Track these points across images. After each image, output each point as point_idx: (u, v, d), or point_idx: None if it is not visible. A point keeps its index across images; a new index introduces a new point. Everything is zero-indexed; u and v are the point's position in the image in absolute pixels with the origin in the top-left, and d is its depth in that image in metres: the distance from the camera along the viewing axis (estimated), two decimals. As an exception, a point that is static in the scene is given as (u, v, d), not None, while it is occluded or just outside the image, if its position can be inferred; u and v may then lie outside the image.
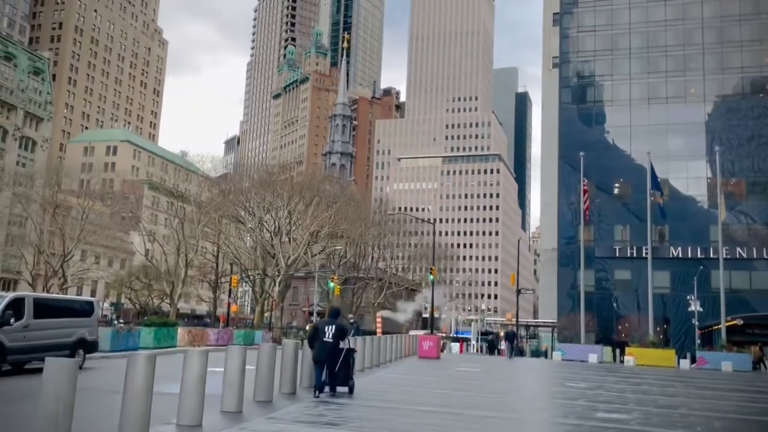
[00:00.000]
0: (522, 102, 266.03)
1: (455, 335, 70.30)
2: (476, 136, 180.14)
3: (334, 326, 12.33)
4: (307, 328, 36.54)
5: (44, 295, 22.01)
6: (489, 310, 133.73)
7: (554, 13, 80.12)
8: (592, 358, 34.67)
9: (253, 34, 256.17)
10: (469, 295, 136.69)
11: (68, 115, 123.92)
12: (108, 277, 79.78)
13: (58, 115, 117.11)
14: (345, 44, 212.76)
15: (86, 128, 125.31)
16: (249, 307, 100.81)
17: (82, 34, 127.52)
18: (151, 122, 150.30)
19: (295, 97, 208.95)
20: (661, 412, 12.22)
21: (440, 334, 42.09)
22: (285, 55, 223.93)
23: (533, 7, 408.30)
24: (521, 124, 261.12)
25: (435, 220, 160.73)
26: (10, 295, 15.57)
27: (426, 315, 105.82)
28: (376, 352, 20.10)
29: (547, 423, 10.86)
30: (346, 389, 12.59)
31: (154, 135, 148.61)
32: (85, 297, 28.33)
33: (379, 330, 43.38)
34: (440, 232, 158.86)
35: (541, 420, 11.12)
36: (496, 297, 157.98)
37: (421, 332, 40.09)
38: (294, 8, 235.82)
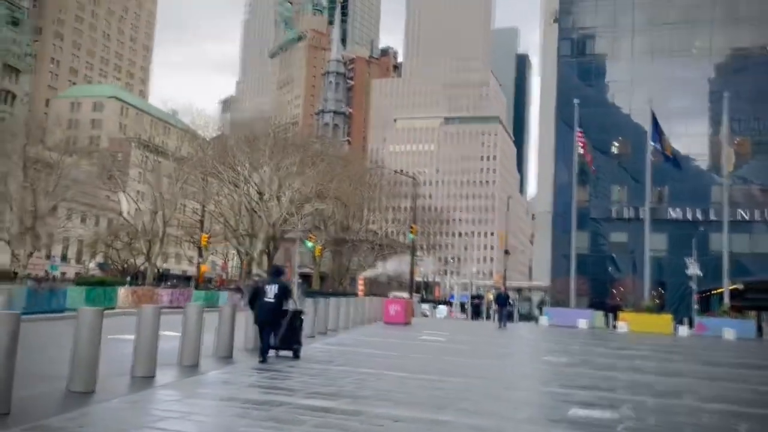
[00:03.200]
0: (522, 64, 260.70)
1: (451, 299, 68.45)
2: (475, 98, 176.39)
3: (276, 285, 11.39)
4: (242, 286, 34.08)
5: None
6: (485, 274, 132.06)
7: (554, -34, 76.52)
8: (582, 323, 32.48)
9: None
10: (465, 259, 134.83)
11: (54, 70, 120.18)
12: (89, 236, 77.52)
13: (43, 69, 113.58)
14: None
15: (74, 84, 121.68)
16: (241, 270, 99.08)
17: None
18: (140, 78, 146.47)
19: (291, 56, 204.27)
20: (660, 405, 8.83)
21: (414, 297, 39.60)
22: (281, 13, 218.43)
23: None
24: (521, 87, 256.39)
25: (431, 182, 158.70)
26: None
27: (419, 279, 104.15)
28: (334, 316, 17.82)
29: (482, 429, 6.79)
30: (290, 353, 11.70)
31: (143, 92, 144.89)
32: None
33: (361, 292, 41.14)
34: (437, 195, 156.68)
35: (477, 424, 6.87)
36: (492, 260, 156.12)
37: (404, 295, 37.88)
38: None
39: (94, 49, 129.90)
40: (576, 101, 38.02)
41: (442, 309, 41.84)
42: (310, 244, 48.06)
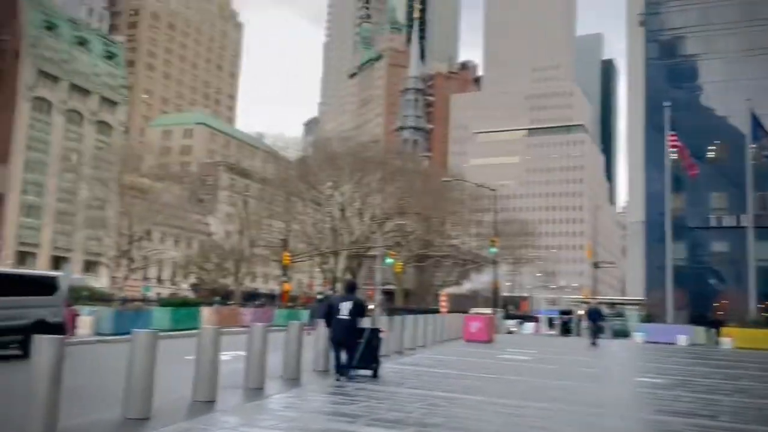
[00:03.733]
0: (608, 70, 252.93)
1: (539, 314, 66.21)
2: (558, 107, 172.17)
3: (350, 302, 11.08)
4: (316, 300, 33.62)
5: None
6: (574, 288, 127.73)
7: (639, -33, 73.59)
8: (681, 340, 30.32)
9: (329, 14, 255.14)
10: (553, 273, 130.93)
11: (148, 100, 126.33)
12: (181, 258, 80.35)
13: (137, 100, 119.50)
14: (417, 14, 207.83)
15: (165, 112, 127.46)
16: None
17: (158, 20, 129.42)
18: (228, 105, 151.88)
19: (370, 76, 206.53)
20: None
21: (495, 313, 38.15)
22: (360, 33, 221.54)
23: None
24: (607, 94, 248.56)
25: (515, 195, 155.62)
26: None
27: (506, 294, 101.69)
28: (411, 334, 17.14)
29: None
30: (369, 372, 11.44)
31: (231, 117, 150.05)
32: (48, 271, 26.31)
33: (443, 309, 40.18)
34: (522, 208, 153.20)
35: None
36: (581, 274, 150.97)
37: (487, 311, 36.66)
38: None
39: (183, 79, 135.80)
40: (666, 104, 35.97)
41: (529, 325, 40.22)
42: (389, 260, 47.63)
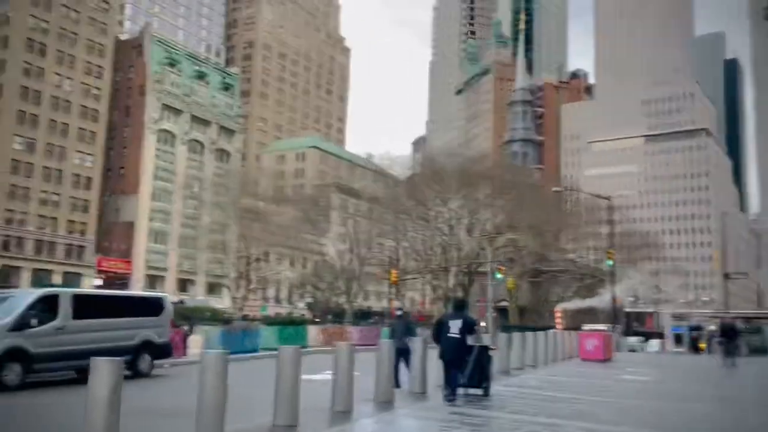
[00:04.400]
0: (732, 69, 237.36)
1: (674, 331, 62.33)
2: (678, 111, 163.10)
3: (460, 320, 11.01)
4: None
5: (90, 291, 20.27)
6: (704, 302, 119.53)
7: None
8: (832, 358, 27.20)
9: (434, 33, 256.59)
10: (680, 286, 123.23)
11: (263, 128, 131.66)
12: (296, 278, 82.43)
13: (252, 127, 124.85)
14: (522, 25, 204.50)
15: (278, 138, 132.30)
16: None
17: (270, 51, 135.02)
18: (338, 128, 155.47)
19: (477, 91, 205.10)
20: None
21: (614, 329, 35.88)
22: (465, 50, 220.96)
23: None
24: (732, 95, 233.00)
25: (635, 205, 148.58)
26: (39, 292, 13.80)
27: (628, 309, 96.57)
28: (519, 352, 16.26)
29: None
30: (480, 391, 11.37)
31: (341, 140, 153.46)
32: (154, 292, 27.07)
33: (558, 326, 38.47)
34: (643, 219, 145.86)
35: None
36: (710, 287, 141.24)
37: (602, 327, 34.65)
38: (473, 1, 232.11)
39: (295, 105, 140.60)
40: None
41: (654, 343, 37.65)
42: (499, 275, 46.33)
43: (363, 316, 79.90)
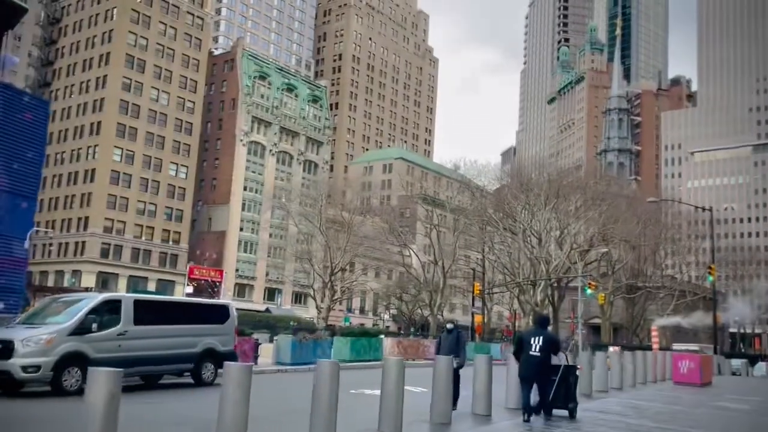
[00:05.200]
0: None
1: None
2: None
3: (541, 337, 10.55)
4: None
5: (154, 297, 19.81)
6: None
7: None
8: None
9: (525, 41, 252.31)
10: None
11: (350, 139, 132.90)
12: (380, 289, 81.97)
13: (340, 139, 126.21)
14: (618, 30, 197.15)
15: (366, 149, 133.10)
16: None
17: (359, 63, 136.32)
18: (425, 139, 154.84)
19: (570, 99, 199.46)
20: None
21: (702, 350, 32.74)
22: (558, 57, 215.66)
23: None
24: None
25: (742, 219, 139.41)
26: (101, 296, 13.58)
27: (733, 330, 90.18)
28: (601, 373, 14.66)
29: None
30: (565, 413, 10.83)
31: (429, 151, 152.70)
32: (219, 300, 26.58)
33: (655, 345, 35.77)
34: (751, 233, 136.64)
35: None
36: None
37: (693, 347, 31.73)
38: (566, 7, 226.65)
39: (382, 116, 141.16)
40: None
41: (761, 366, 34.26)
42: (589, 291, 43.82)
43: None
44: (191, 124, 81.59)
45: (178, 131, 79.96)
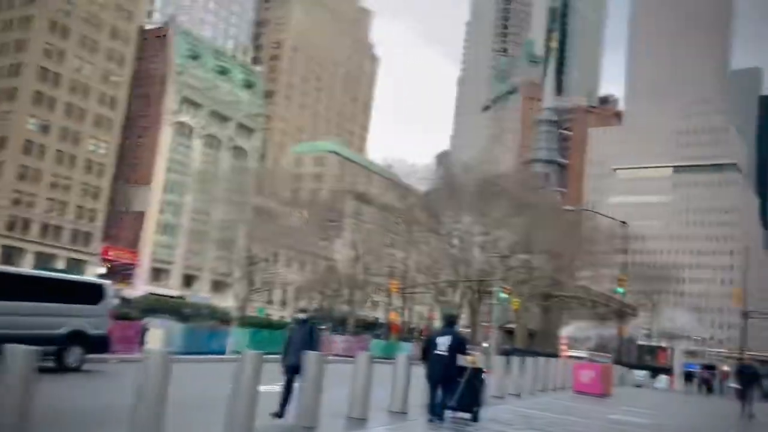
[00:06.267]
0: (767, 106, 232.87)
1: (688, 368, 59.88)
2: (710, 144, 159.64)
3: (449, 336, 10.23)
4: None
5: (16, 270, 18.14)
6: (721, 342, 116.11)
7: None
8: None
9: (465, 48, 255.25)
10: (698, 322, 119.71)
11: (284, 128, 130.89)
12: (302, 283, 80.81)
13: (274, 128, 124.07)
14: (554, 44, 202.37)
15: (300, 141, 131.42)
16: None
17: (298, 53, 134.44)
18: (360, 135, 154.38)
19: (504, 109, 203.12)
20: None
21: (600, 358, 33.49)
22: (496, 67, 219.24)
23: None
24: (765, 132, 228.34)
25: (660, 237, 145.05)
26: None
27: (642, 342, 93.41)
28: (498, 379, 14.36)
29: None
30: (468, 416, 10.59)
31: (362, 148, 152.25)
32: (91, 278, 25.04)
33: (564, 353, 36.29)
34: (665, 251, 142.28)
35: None
36: (728, 327, 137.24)
37: (583, 354, 32.34)
38: (507, 18, 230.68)
39: (319, 109, 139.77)
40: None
41: (663, 379, 35.27)
42: (503, 295, 44.23)
43: (368, 326, 77.96)
44: (116, 98, 78.16)
45: (102, 105, 76.45)
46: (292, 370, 9.35)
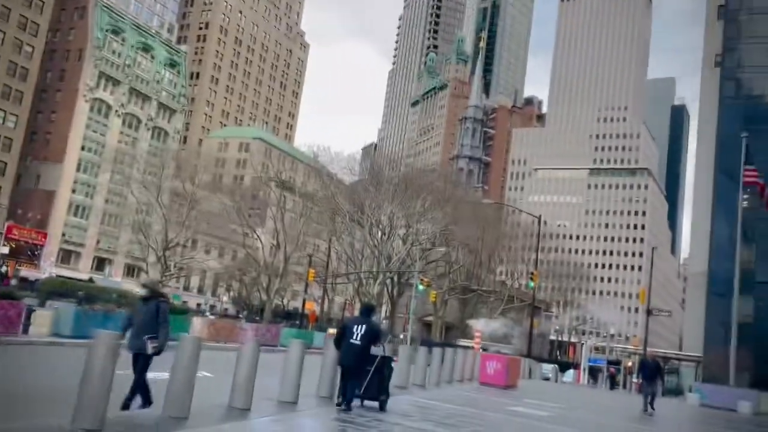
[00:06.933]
0: (678, 116, 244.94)
1: (592, 363, 62.18)
2: (624, 149, 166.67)
3: (364, 326, 10.13)
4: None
5: None
6: (627, 338, 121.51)
7: (719, 6, 69.67)
8: (744, 406, 26.42)
9: (396, 42, 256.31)
10: (605, 320, 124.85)
11: (209, 112, 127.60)
12: (221, 270, 79.20)
13: (198, 111, 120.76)
14: (482, 44, 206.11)
15: (225, 125, 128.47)
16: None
17: (226, 34, 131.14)
18: (288, 123, 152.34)
19: (432, 105, 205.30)
20: None
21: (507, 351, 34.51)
22: (426, 62, 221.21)
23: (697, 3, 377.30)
24: (677, 140, 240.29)
25: (574, 236, 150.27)
26: None
27: (553, 338, 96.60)
28: (403, 369, 14.38)
29: None
30: (376, 404, 10.43)
31: (290, 136, 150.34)
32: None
33: (476, 346, 37.01)
34: (578, 250, 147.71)
35: None
36: (635, 324, 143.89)
37: (507, 351, 33.21)
38: (438, 15, 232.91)
39: (245, 94, 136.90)
40: (744, 135, 32.41)
41: (570, 373, 36.50)
42: (421, 287, 44.75)
43: (287, 315, 77.19)
44: (27, 69, 74.02)
45: (11, 76, 72.24)
46: (136, 356, 8.25)
